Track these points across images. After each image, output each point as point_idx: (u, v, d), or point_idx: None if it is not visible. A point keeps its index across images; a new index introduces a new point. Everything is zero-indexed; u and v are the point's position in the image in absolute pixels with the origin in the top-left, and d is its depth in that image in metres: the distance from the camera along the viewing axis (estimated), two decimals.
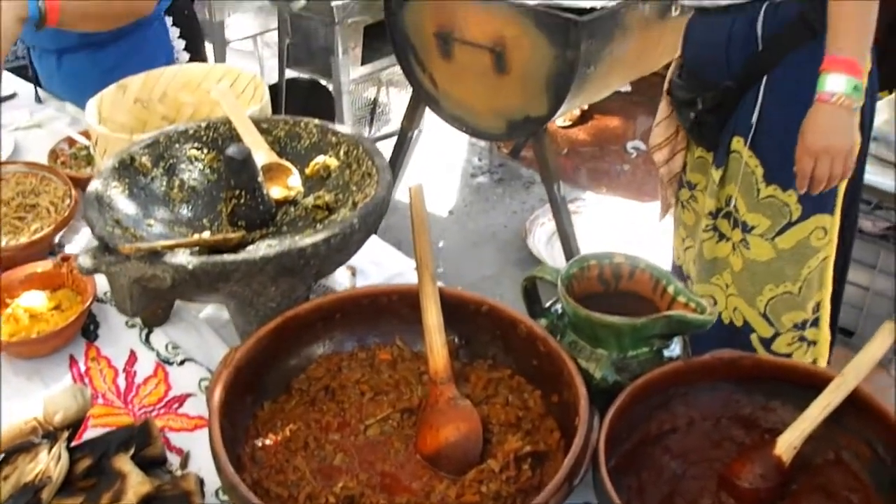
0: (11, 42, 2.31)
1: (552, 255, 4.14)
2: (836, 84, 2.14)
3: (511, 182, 4.91)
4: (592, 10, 3.13)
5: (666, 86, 2.76)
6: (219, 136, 1.83)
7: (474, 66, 3.30)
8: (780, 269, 2.54)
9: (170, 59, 2.86)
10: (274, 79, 4.61)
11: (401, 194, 4.25)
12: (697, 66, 2.58)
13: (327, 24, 3.81)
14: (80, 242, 2.08)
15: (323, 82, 4.35)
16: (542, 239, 4.31)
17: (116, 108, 2.15)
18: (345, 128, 1.80)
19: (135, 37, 2.78)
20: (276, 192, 1.71)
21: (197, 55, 2.99)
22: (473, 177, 4.98)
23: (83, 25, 2.54)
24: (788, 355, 2.64)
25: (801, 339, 2.64)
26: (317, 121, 1.82)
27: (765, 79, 2.39)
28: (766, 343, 2.66)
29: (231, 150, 1.58)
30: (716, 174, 2.56)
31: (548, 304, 1.53)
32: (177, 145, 1.79)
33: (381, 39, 3.80)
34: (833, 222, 2.47)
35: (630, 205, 4.72)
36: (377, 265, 1.89)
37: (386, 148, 4.92)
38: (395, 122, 5.33)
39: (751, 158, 2.47)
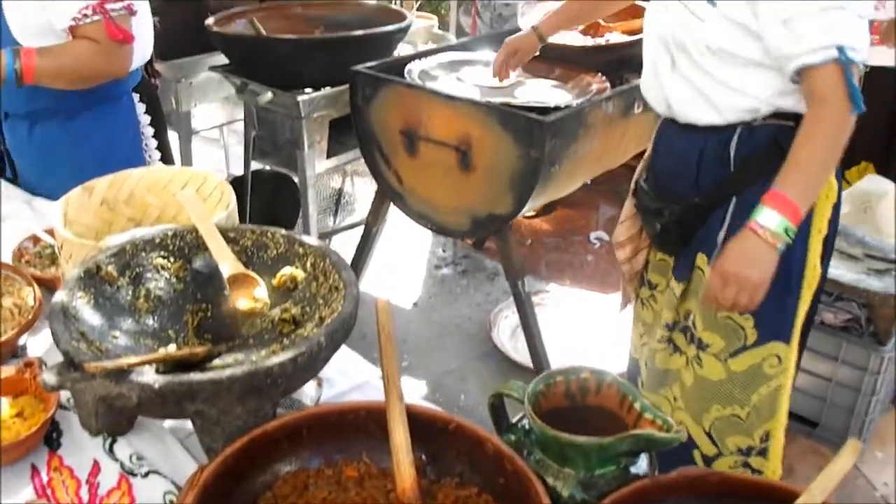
0: None
1: (516, 349, 4.14)
2: (770, 220, 2.15)
3: (475, 274, 4.93)
4: (556, 109, 3.17)
5: (632, 186, 2.75)
6: (185, 244, 1.83)
7: (439, 164, 3.33)
8: (730, 392, 2.54)
9: (137, 132, 2.99)
10: (239, 166, 4.63)
11: (365, 286, 4.26)
12: (666, 177, 2.58)
13: (293, 117, 3.83)
14: (43, 345, 2.05)
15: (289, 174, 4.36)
16: (507, 332, 4.31)
17: (82, 210, 2.14)
18: (312, 239, 1.81)
19: (106, 108, 2.89)
20: (242, 303, 1.71)
21: (160, 130, 3.11)
22: (437, 268, 4.99)
23: (59, 84, 2.65)
24: None
25: (745, 464, 2.62)
26: (283, 231, 1.83)
27: (734, 199, 2.39)
28: (708, 461, 2.64)
29: (198, 264, 1.58)
30: (677, 288, 2.57)
31: (515, 420, 1.53)
32: (143, 254, 1.79)
33: (347, 133, 3.82)
34: (789, 352, 2.46)
35: (594, 297, 4.74)
36: (343, 374, 1.89)
37: (350, 238, 4.95)
38: (359, 211, 5.37)
39: None
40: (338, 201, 5.29)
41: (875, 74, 4.06)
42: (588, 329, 4.37)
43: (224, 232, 1.83)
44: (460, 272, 4.95)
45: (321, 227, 4.78)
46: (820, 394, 3.55)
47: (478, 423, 1.44)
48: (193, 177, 2.22)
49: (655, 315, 2.75)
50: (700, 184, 2.45)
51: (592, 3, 3.22)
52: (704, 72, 2.30)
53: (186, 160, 4.56)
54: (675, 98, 2.42)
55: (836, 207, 2.43)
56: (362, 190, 5.42)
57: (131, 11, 2.70)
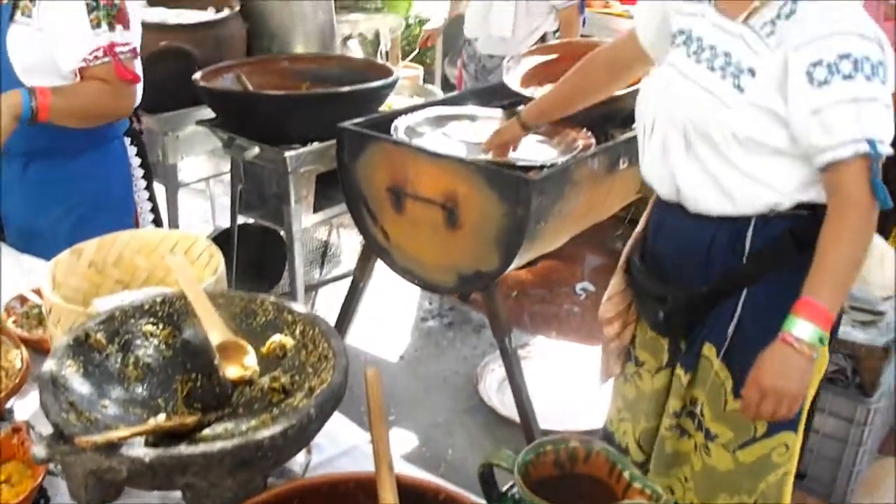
0: (7, 136, 2.58)
1: (503, 403, 4.14)
2: (804, 332, 2.08)
3: (461, 326, 4.93)
4: (543, 167, 3.19)
5: (622, 263, 2.70)
6: (174, 311, 1.83)
7: (426, 221, 3.34)
8: (738, 482, 2.47)
9: (128, 175, 3.10)
10: (226, 217, 4.64)
11: (352, 338, 4.26)
12: (669, 262, 2.51)
13: (280, 172, 3.84)
14: (31, 408, 2.05)
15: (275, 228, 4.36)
16: (493, 386, 4.31)
17: (71, 273, 2.15)
18: (300, 306, 1.82)
19: (101, 150, 2.99)
20: (231, 371, 1.71)
21: (149, 172, 3.22)
22: (424, 321, 5.00)
23: (70, 122, 2.74)
24: None
25: None
26: (272, 298, 1.83)
27: (745, 291, 2.33)
28: None
29: (187, 335, 1.59)
30: (683, 377, 2.48)
31: (505, 489, 1.53)
32: (132, 320, 1.79)
33: (333, 187, 3.82)
34: (796, 439, 2.41)
35: (580, 349, 4.74)
36: (332, 440, 1.88)
37: (336, 290, 4.95)
38: (346, 263, 5.38)
39: (722, 370, 2.39)
40: (324, 253, 5.30)
41: None
42: (575, 382, 4.37)
43: (213, 298, 1.83)
44: (447, 324, 4.96)
45: (307, 280, 4.78)
46: (808, 446, 3.55)
47: (465, 479, 1.45)
48: (182, 240, 2.23)
49: (639, 393, 2.70)
50: (708, 273, 2.38)
51: (578, 92, 3.03)
52: (727, 161, 2.23)
53: (173, 212, 4.56)
54: (688, 186, 2.34)
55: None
56: (348, 241, 5.43)
57: (135, 53, 2.83)
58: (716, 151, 2.24)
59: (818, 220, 2.16)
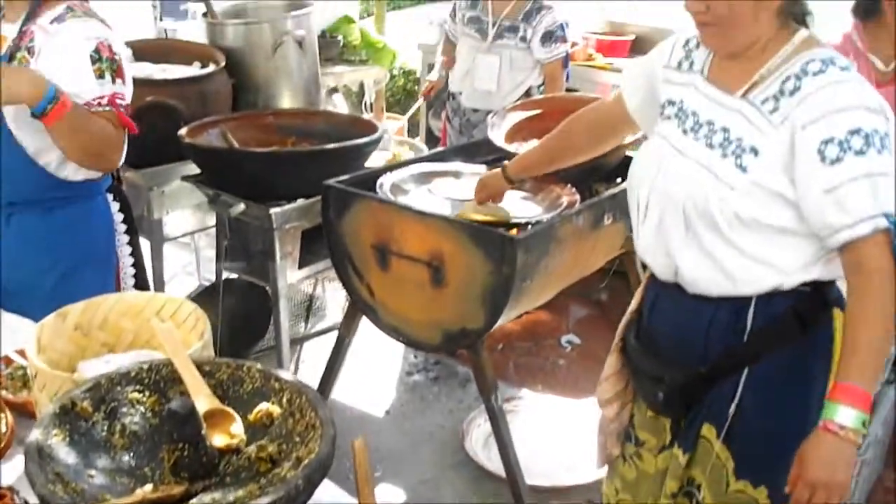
0: (9, 103, 2.64)
1: (490, 458, 4.12)
2: (847, 418, 2.02)
3: (447, 380, 4.92)
4: (527, 224, 3.21)
5: (617, 341, 2.62)
6: (161, 378, 1.83)
7: (411, 279, 3.35)
8: None
9: (111, 231, 3.08)
10: (211, 269, 4.64)
11: (337, 393, 4.25)
12: (666, 342, 2.43)
13: (266, 228, 3.84)
14: (16, 471, 2.04)
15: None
16: (480, 441, 4.29)
17: (56, 336, 2.15)
18: (287, 374, 1.82)
19: (83, 204, 2.99)
20: (218, 440, 1.71)
21: (132, 228, 3.20)
22: (409, 374, 4.98)
23: (67, 142, 2.72)
24: None
25: None
26: (259, 365, 1.83)
27: (746, 370, 2.26)
28: None
29: (174, 404, 1.58)
30: (681, 458, 2.39)
31: None
32: (118, 388, 1.79)
33: (319, 242, 3.83)
34: None
35: (566, 402, 4.74)
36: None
37: (321, 344, 4.96)
38: (331, 316, 5.37)
39: (722, 451, 2.31)
40: (309, 307, 5.30)
41: None
42: (561, 436, 4.37)
43: (199, 365, 1.83)
44: (432, 378, 4.94)
45: (293, 334, 4.77)
46: None
47: None
48: (168, 303, 2.23)
49: (640, 473, 2.59)
50: (708, 353, 2.30)
51: (560, 152, 2.98)
52: (729, 243, 2.17)
53: (158, 266, 4.55)
54: (687, 268, 2.28)
55: None
56: (334, 294, 5.42)
57: (129, 110, 2.86)
58: (717, 232, 2.18)
59: (822, 296, 2.16)
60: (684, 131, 2.30)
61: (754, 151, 2.13)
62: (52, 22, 2.75)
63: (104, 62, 2.77)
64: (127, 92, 2.86)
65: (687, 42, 2.39)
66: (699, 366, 2.31)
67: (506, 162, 3.22)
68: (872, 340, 2.06)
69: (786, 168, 2.10)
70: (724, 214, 2.15)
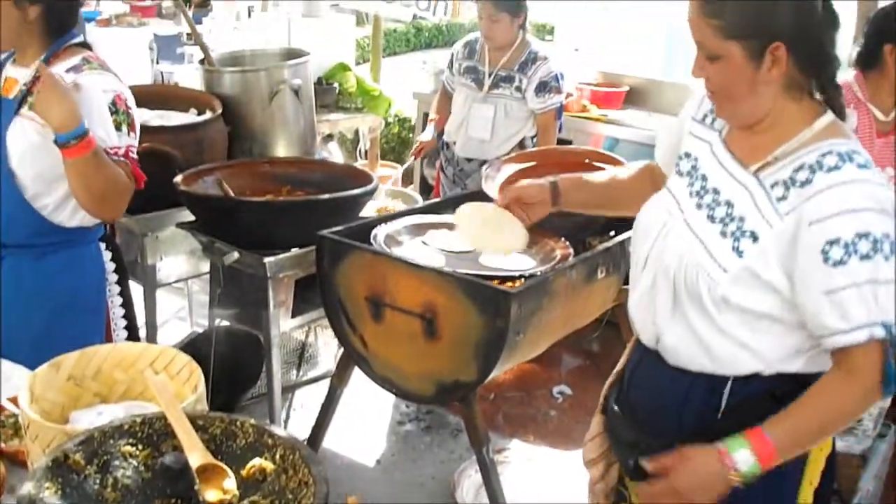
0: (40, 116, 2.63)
1: None
2: (744, 462, 2.02)
3: (439, 430, 4.90)
4: (521, 277, 3.22)
5: (601, 401, 2.58)
6: (154, 431, 1.83)
7: (405, 331, 3.35)
8: None
9: (102, 280, 3.10)
10: (203, 314, 4.63)
11: (328, 442, 4.23)
12: (643, 409, 2.38)
13: (259, 277, 3.85)
14: None
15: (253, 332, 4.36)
16: (471, 492, 4.27)
17: (49, 387, 2.15)
18: (281, 430, 1.82)
19: (77, 251, 3.01)
20: (211, 495, 1.70)
21: (123, 276, 3.22)
22: (401, 424, 4.97)
23: (85, 182, 2.73)
24: None
25: None
26: (252, 420, 1.84)
27: None
28: None
29: (167, 459, 1.59)
30: None
31: None
32: (111, 441, 1.79)
33: (312, 290, 3.83)
34: None
35: (557, 454, 4.73)
36: None
37: (314, 391, 4.95)
38: (323, 363, 5.37)
39: None
40: (301, 354, 5.29)
41: None
42: (552, 487, 4.36)
43: (193, 419, 1.83)
44: (424, 428, 4.93)
45: (285, 381, 4.75)
46: None
47: None
48: (162, 355, 2.24)
49: None
50: (682, 424, 2.24)
51: (615, 199, 2.82)
52: (714, 325, 2.12)
53: (150, 312, 4.55)
54: (670, 341, 2.23)
55: (831, 459, 2.26)
56: (326, 342, 5.42)
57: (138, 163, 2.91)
58: (703, 312, 2.13)
59: (800, 384, 2.08)
60: (691, 193, 2.26)
61: (753, 237, 2.08)
62: (67, 71, 2.78)
63: (120, 115, 2.83)
64: (136, 147, 2.93)
65: None
66: (674, 437, 2.21)
67: (558, 178, 2.91)
68: (816, 421, 2.05)
69: (782, 260, 2.04)
70: (712, 296, 2.10)
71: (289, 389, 4.98)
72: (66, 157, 2.65)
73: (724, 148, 2.24)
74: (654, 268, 2.27)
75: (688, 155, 2.34)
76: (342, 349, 3.86)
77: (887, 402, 3.30)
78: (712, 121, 2.31)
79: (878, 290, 1.94)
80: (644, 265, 2.32)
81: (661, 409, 2.30)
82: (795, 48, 2.04)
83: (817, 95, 2.15)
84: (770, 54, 2.04)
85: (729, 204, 2.15)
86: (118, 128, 2.82)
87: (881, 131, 3.57)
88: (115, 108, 2.81)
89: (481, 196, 4.02)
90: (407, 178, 7.25)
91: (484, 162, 4.90)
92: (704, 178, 2.25)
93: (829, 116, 2.12)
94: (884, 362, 1.96)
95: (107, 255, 3.12)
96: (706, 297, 2.10)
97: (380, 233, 3.50)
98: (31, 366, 2.24)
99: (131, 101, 2.91)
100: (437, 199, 4.90)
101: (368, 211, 4.33)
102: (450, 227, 3.70)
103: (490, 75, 5.35)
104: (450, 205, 4.12)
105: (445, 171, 5.75)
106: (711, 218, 2.17)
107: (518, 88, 5.28)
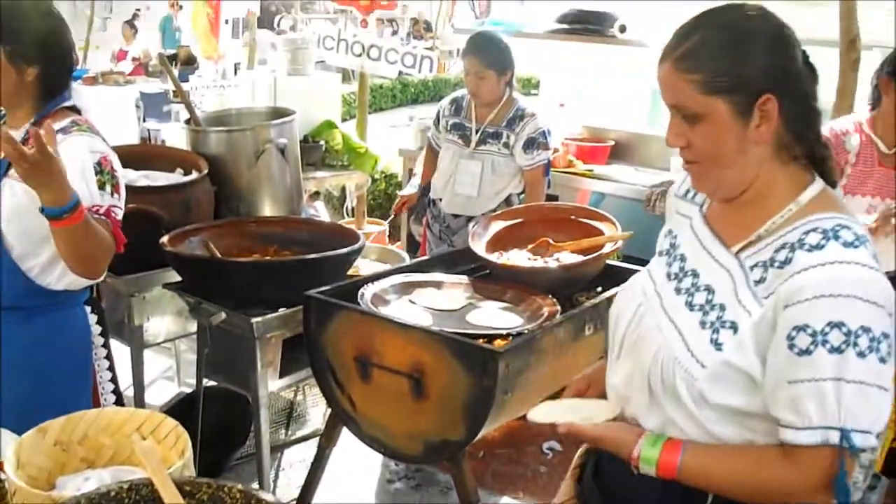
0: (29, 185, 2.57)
1: None
2: (646, 459, 1.94)
3: (428, 488, 4.88)
4: (509, 336, 3.22)
5: (576, 469, 2.43)
6: (140, 498, 1.82)
7: (393, 391, 3.34)
8: None
9: (88, 342, 3.08)
10: (191, 374, 4.61)
11: (318, 497, 4.21)
12: (622, 487, 2.15)
13: (247, 337, 3.84)
14: None
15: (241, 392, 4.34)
16: None
17: (35, 452, 2.15)
18: (269, 496, 1.81)
19: (63, 313, 3.00)
20: None
21: (108, 339, 3.22)
22: (390, 482, 4.94)
23: (73, 247, 2.71)
24: None
25: None
26: (240, 486, 1.82)
27: None
28: None
29: None
30: None
31: None
32: None
33: (300, 349, 3.82)
34: None
35: None
36: None
37: (303, 450, 4.93)
38: (312, 422, 5.34)
39: None
40: (290, 414, 5.28)
41: None
42: None
43: (180, 485, 1.82)
44: (413, 486, 4.90)
45: (273, 440, 4.73)
46: None
47: None
48: (148, 420, 2.23)
49: None
50: None
51: None
52: (693, 420, 1.95)
53: (138, 373, 4.54)
54: (649, 426, 2.04)
55: None
56: (314, 401, 5.40)
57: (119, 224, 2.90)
58: (681, 407, 1.95)
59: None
60: (668, 275, 2.11)
61: (733, 328, 1.90)
62: (56, 132, 2.78)
63: (105, 174, 2.85)
64: (121, 207, 2.92)
65: None
66: None
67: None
68: (732, 484, 1.91)
69: (759, 348, 1.86)
70: (690, 392, 1.92)
71: (278, 449, 4.96)
72: (53, 227, 2.65)
73: (704, 224, 2.09)
74: (630, 357, 2.11)
75: (670, 232, 2.21)
76: (331, 411, 3.85)
77: (876, 453, 3.31)
78: (694, 194, 2.18)
79: (844, 390, 1.74)
80: (619, 353, 2.17)
81: (638, 490, 2.07)
82: (785, 102, 1.88)
83: (803, 160, 1.97)
84: (758, 109, 1.88)
85: (709, 290, 1.99)
86: (101, 187, 2.83)
87: (883, 162, 3.71)
88: (100, 168, 2.83)
89: (468, 254, 4.04)
90: (394, 236, 7.27)
91: (471, 218, 4.94)
92: (683, 258, 2.11)
93: (818, 185, 1.96)
94: (835, 470, 1.77)
95: (92, 319, 3.12)
96: (684, 393, 1.93)
97: (367, 292, 3.52)
98: (18, 431, 2.24)
99: (117, 164, 2.92)
100: (423, 258, 4.91)
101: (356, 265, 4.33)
102: (437, 285, 3.72)
103: (477, 132, 5.36)
104: (436, 262, 4.15)
105: (432, 228, 5.75)
106: (690, 305, 2.01)
107: (506, 145, 5.29)
